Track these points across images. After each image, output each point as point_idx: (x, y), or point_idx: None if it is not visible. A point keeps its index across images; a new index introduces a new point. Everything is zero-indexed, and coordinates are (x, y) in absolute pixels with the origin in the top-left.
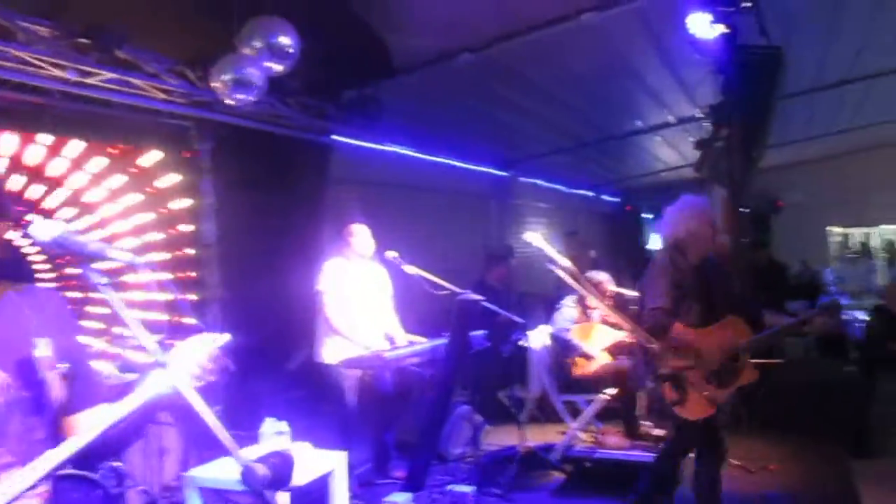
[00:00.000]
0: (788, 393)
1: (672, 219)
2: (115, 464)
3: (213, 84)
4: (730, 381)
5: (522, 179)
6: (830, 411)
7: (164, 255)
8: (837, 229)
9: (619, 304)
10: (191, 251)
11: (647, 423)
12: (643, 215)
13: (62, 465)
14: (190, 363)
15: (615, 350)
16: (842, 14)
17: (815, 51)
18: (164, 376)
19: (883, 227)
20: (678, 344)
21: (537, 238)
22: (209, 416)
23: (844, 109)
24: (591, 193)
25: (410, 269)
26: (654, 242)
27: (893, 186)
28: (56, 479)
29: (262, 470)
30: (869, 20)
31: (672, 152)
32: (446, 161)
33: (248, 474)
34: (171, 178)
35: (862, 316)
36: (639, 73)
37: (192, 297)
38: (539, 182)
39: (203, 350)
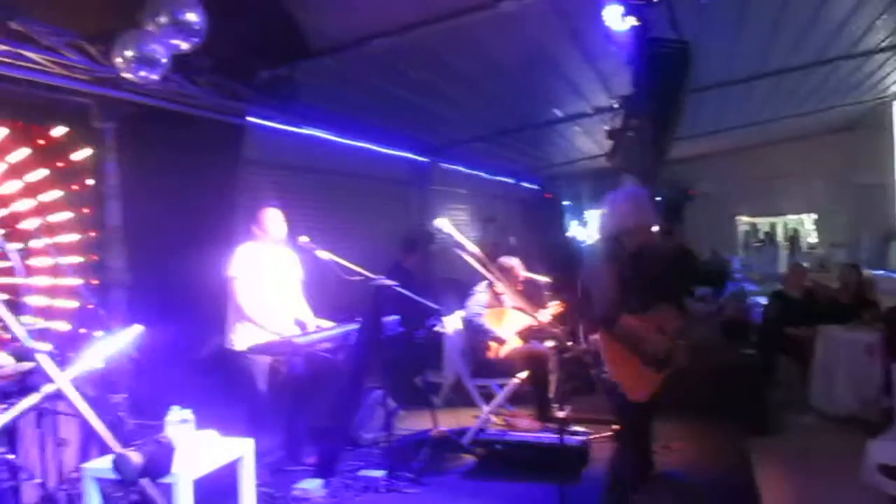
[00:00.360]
0: (692, 375)
1: (618, 209)
2: (8, 456)
3: (115, 60)
4: (667, 365)
5: (443, 165)
6: (731, 393)
7: (67, 238)
8: (745, 218)
9: (532, 289)
10: (93, 233)
11: (557, 406)
12: (562, 202)
13: None
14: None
15: (526, 334)
16: (751, 10)
17: (725, 45)
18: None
19: (788, 216)
20: (625, 332)
21: (446, 224)
22: (81, 404)
23: (753, 103)
24: (511, 180)
25: (323, 255)
26: (573, 229)
27: (798, 178)
28: None
29: (136, 458)
30: (778, 15)
31: (589, 141)
32: (365, 146)
33: (120, 463)
34: (76, 156)
35: (764, 301)
36: (557, 62)
37: (95, 281)
38: (459, 168)
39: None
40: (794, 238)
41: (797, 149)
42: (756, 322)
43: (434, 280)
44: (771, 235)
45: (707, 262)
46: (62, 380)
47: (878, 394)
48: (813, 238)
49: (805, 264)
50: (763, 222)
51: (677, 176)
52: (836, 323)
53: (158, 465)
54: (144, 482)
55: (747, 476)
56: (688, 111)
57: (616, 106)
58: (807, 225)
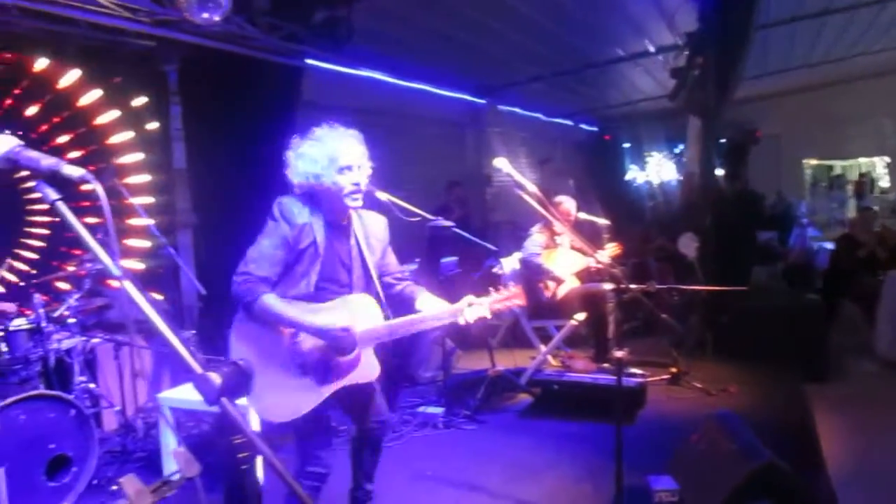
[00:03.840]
0: (752, 319)
1: None
2: (90, 385)
3: (177, 1)
4: None
5: (500, 107)
6: (791, 337)
7: (137, 179)
8: (813, 161)
9: (590, 230)
10: (160, 175)
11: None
12: (622, 144)
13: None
14: None
15: (584, 275)
16: None
17: None
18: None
19: (858, 160)
20: None
21: (506, 164)
22: (164, 328)
23: (824, 39)
24: (569, 122)
25: (382, 196)
26: (632, 172)
27: (870, 119)
28: (29, 399)
29: (216, 378)
30: None
31: (651, 81)
32: (422, 87)
33: (202, 383)
34: (141, 99)
35: (830, 246)
36: None
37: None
38: (516, 110)
39: None
40: (863, 182)
41: (870, 88)
42: (821, 267)
43: (491, 222)
44: (840, 179)
45: (772, 206)
46: (146, 306)
47: None
48: (884, 182)
49: (875, 209)
50: (832, 165)
51: (742, 117)
52: None
53: (237, 386)
54: (224, 401)
55: (805, 422)
56: (755, 48)
57: (680, 43)
58: (878, 169)
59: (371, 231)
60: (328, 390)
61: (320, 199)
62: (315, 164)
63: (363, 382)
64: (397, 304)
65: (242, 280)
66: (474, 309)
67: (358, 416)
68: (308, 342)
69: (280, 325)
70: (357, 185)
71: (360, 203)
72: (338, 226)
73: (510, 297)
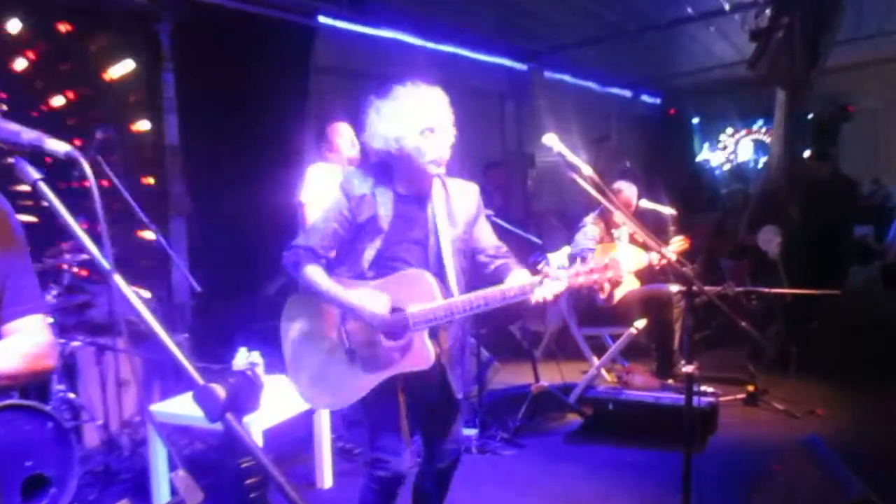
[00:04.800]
0: (844, 329)
1: None
2: (69, 395)
3: None
4: None
5: (546, 75)
6: (889, 351)
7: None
8: None
9: (653, 222)
10: (148, 154)
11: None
12: (690, 120)
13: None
14: None
15: (646, 274)
16: None
17: None
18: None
19: None
20: None
21: (556, 142)
22: (159, 330)
23: None
24: (627, 93)
25: None
26: (704, 153)
27: None
28: (2, 409)
29: (220, 391)
30: None
31: (727, 45)
32: (453, 51)
33: (202, 395)
34: (126, 66)
35: None
36: None
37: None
38: (566, 78)
39: None
40: None
41: None
42: None
43: (535, 210)
44: None
45: (868, 195)
46: (140, 306)
47: None
48: None
49: None
50: None
51: (834, 88)
52: None
53: (244, 400)
54: (229, 418)
55: None
56: (850, 8)
57: (761, 1)
58: None
59: (456, 202)
60: (377, 378)
61: (398, 167)
62: (396, 126)
63: (447, 396)
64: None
65: (290, 251)
66: (550, 284)
67: (432, 433)
68: (354, 325)
69: (322, 301)
70: (442, 149)
71: (442, 170)
72: (414, 198)
73: (599, 270)
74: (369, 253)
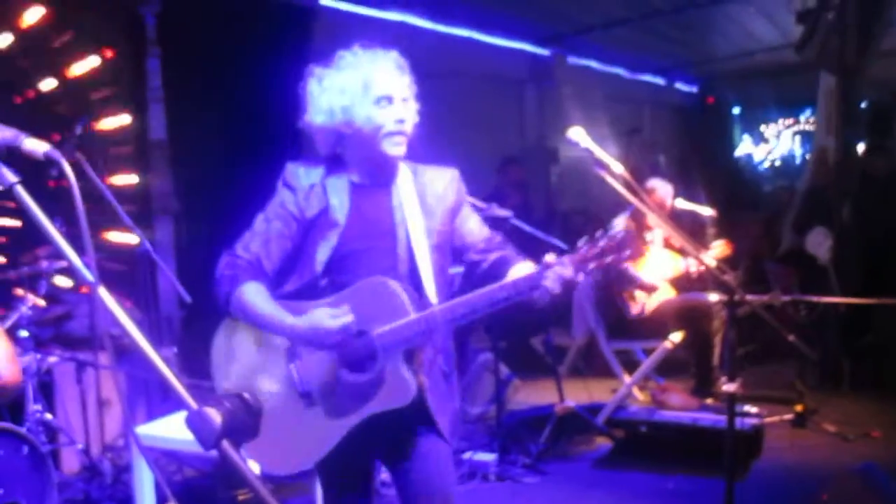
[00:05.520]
0: None
1: None
2: (46, 416)
3: None
4: None
5: (570, 60)
6: None
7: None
8: None
9: (690, 224)
10: (129, 149)
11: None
12: (731, 110)
13: None
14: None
15: (683, 282)
16: None
17: None
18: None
19: None
20: None
21: (582, 135)
22: (145, 345)
23: None
24: (661, 81)
25: None
26: (746, 146)
27: None
28: None
29: (215, 416)
30: None
31: (771, 27)
32: (468, 34)
33: (195, 420)
34: (104, 54)
35: None
36: None
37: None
38: (592, 64)
39: None
40: None
41: None
42: None
43: (558, 210)
44: None
45: None
46: (123, 317)
47: None
48: None
49: None
50: None
51: (890, 73)
52: None
53: (241, 426)
54: (225, 445)
55: None
56: None
57: None
58: None
59: (429, 189)
60: (345, 425)
61: (351, 149)
62: (342, 95)
63: (431, 441)
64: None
65: (224, 264)
66: (556, 272)
67: (414, 496)
68: (309, 359)
69: (261, 328)
70: (401, 121)
71: (402, 150)
72: (372, 186)
73: (612, 248)
74: (323, 252)
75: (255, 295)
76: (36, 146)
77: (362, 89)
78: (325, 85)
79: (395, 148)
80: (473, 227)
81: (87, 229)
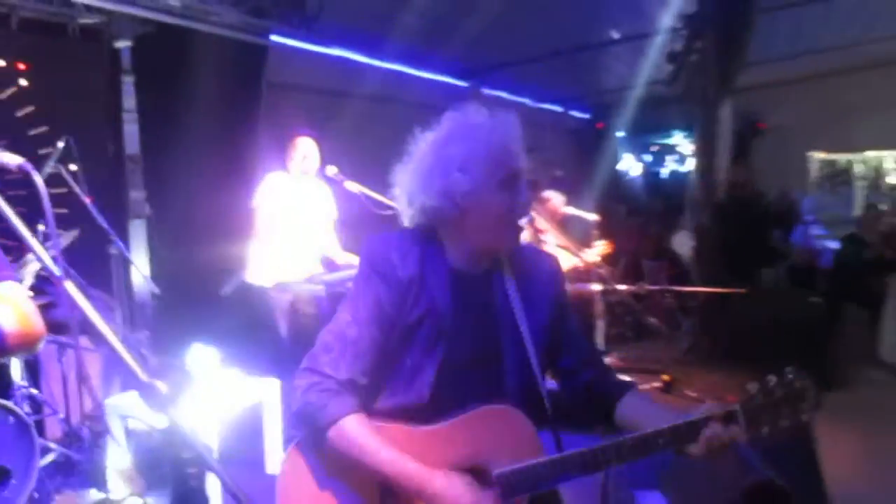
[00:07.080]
0: (752, 323)
1: None
2: (31, 391)
3: None
4: None
5: (484, 91)
6: (791, 343)
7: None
8: (820, 155)
9: (578, 226)
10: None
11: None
12: (615, 133)
13: None
14: None
15: (570, 275)
16: None
17: None
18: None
19: (867, 153)
20: None
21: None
22: (107, 332)
23: (833, 24)
24: (559, 108)
25: (352, 187)
26: (626, 163)
27: (882, 109)
28: None
29: (163, 388)
30: None
31: (648, 66)
32: (398, 68)
33: (148, 392)
34: (91, 77)
35: (835, 246)
36: None
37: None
38: (502, 94)
39: None
40: (876, 177)
41: (882, 77)
42: (826, 268)
43: None
44: (847, 174)
45: (773, 203)
46: (89, 310)
47: None
48: (894, 178)
49: (883, 206)
50: (839, 159)
51: (745, 106)
52: None
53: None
54: (171, 412)
55: (804, 432)
56: (759, 32)
57: (678, 26)
58: (887, 163)
59: (533, 277)
60: None
61: (457, 231)
62: (464, 174)
63: None
64: (581, 409)
65: (308, 386)
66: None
67: None
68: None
69: (362, 470)
70: (526, 205)
71: (520, 239)
72: (473, 274)
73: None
74: (430, 369)
75: (360, 428)
76: (9, 158)
77: (491, 167)
78: (437, 155)
79: (517, 237)
80: (573, 328)
81: (55, 232)
